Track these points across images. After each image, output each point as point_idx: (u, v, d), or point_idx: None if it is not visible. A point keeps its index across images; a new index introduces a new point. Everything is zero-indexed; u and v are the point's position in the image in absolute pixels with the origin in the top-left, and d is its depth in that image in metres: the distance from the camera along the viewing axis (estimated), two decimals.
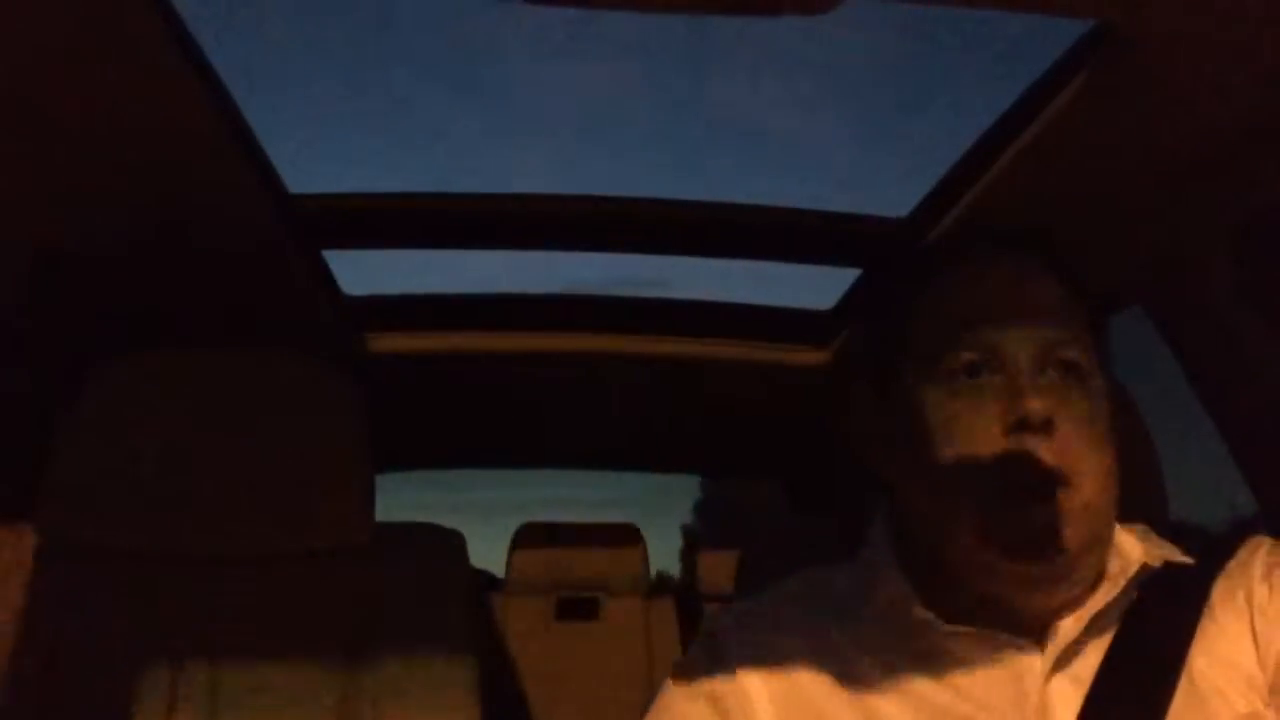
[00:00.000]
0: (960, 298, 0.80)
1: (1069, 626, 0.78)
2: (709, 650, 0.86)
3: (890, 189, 1.72)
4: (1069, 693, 0.76)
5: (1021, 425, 0.73)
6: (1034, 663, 0.77)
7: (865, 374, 0.87)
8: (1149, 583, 0.80)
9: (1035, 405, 0.73)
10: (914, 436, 0.79)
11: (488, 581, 2.81)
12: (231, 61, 1.22)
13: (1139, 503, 0.88)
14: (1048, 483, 0.73)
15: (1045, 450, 0.73)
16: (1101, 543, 0.79)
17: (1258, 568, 0.80)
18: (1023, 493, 0.73)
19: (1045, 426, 0.73)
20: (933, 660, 0.79)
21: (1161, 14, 0.96)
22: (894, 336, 0.83)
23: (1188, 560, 0.82)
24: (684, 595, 2.72)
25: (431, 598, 1.09)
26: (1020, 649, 0.77)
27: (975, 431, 0.75)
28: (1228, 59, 1.01)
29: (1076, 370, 0.77)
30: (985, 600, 0.78)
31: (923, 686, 0.78)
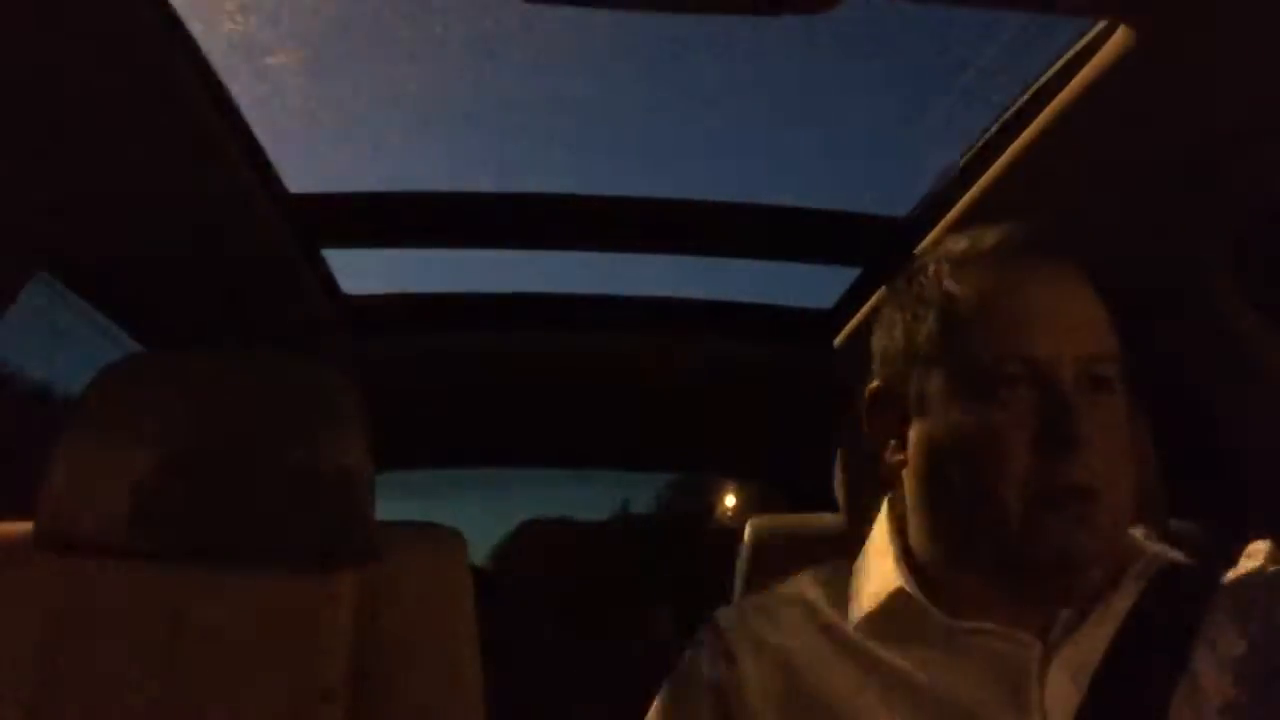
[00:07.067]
0: (1001, 307, 0.79)
1: (1069, 624, 0.78)
2: (713, 647, 0.86)
3: (890, 189, 1.71)
4: (1067, 689, 0.76)
5: (1057, 441, 0.74)
6: (1033, 658, 0.77)
7: (883, 374, 0.86)
8: (1151, 584, 0.80)
9: (1074, 423, 0.74)
10: (943, 442, 0.79)
11: (488, 581, 2.80)
12: (231, 61, 1.22)
13: (1140, 508, 0.88)
14: (1078, 499, 0.74)
15: (1078, 466, 0.74)
16: (1113, 552, 0.79)
17: (1258, 572, 0.80)
18: (1053, 506, 0.74)
19: (1081, 443, 0.74)
20: (933, 655, 0.79)
21: (1161, 15, 0.96)
22: (926, 339, 0.82)
23: (1189, 563, 0.82)
24: (685, 593, 2.71)
25: (431, 597, 1.09)
26: (1020, 644, 0.78)
27: (1009, 443, 0.75)
28: (1229, 59, 1.01)
29: (1109, 386, 0.78)
30: (987, 599, 0.79)
31: (923, 681, 0.79)
